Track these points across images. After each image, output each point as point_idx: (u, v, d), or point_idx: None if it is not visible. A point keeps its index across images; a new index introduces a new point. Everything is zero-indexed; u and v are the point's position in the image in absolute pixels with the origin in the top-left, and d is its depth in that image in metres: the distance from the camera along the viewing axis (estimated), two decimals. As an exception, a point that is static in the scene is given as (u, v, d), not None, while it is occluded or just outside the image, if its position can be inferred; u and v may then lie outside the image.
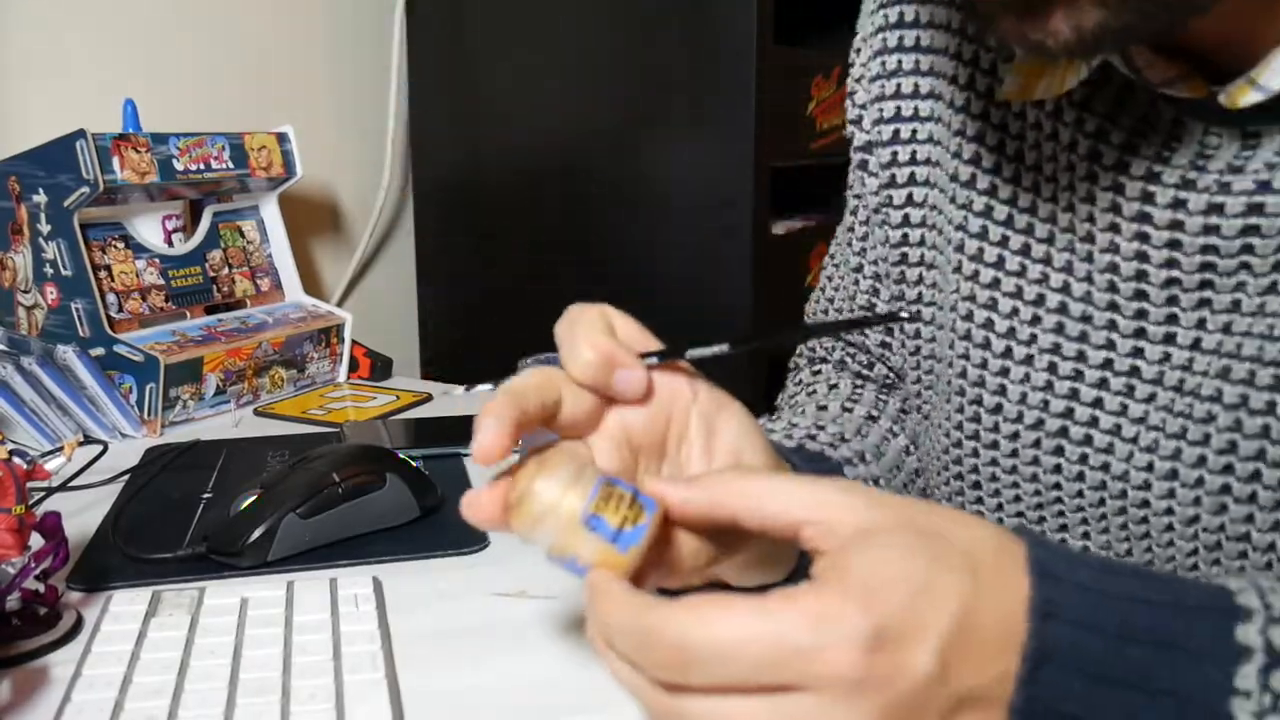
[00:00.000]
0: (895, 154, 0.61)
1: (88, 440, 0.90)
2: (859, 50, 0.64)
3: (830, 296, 0.71)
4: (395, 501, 0.70)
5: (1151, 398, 0.50)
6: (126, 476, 0.80)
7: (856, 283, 0.68)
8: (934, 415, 0.61)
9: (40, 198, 0.95)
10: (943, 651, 0.33)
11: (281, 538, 0.64)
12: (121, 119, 1.01)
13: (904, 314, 0.57)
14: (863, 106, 0.63)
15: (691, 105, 1.11)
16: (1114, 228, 0.49)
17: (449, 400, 1.07)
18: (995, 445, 0.57)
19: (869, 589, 0.33)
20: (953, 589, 0.34)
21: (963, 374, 0.58)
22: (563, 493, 0.39)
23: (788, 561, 0.46)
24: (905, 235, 0.61)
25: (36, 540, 0.56)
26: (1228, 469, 0.48)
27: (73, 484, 0.77)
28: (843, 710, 0.33)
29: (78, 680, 0.49)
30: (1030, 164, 0.53)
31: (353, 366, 1.15)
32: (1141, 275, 0.49)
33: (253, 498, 0.66)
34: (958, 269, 0.57)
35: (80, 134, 0.92)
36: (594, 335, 0.43)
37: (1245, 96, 0.43)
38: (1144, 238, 0.48)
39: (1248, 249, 0.45)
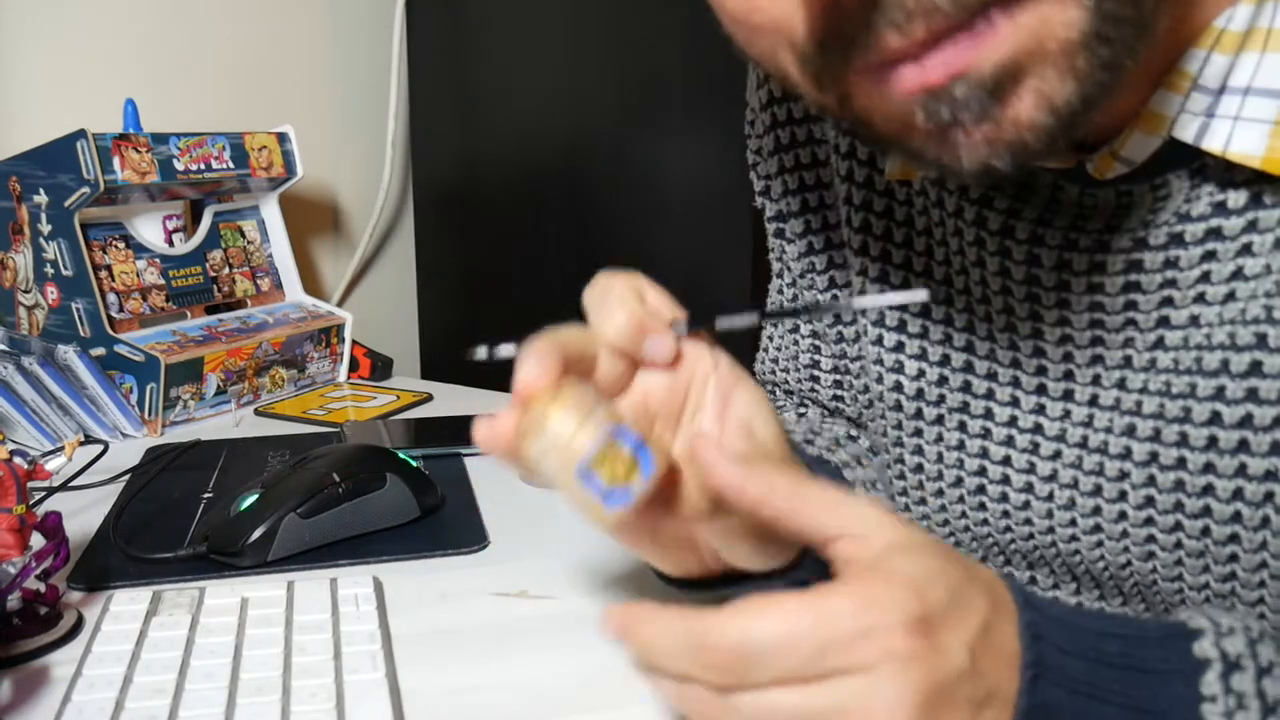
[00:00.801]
0: (808, 222, 0.61)
1: (88, 440, 0.90)
2: (753, 123, 0.64)
3: (775, 356, 0.71)
4: (395, 501, 0.70)
5: (1057, 454, 0.51)
6: (127, 476, 0.80)
7: (796, 342, 0.68)
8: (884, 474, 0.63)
9: (41, 198, 0.95)
10: (973, 647, 0.36)
11: (282, 538, 0.64)
12: (122, 119, 1.01)
13: (925, 290, 0.54)
14: (768, 178, 0.64)
15: (690, 103, 1.11)
16: (1006, 290, 0.50)
17: (449, 400, 1.07)
18: (923, 502, 0.58)
19: (915, 581, 0.36)
20: (981, 597, 0.37)
21: (884, 434, 0.59)
22: (572, 432, 0.39)
23: (785, 549, 0.47)
24: (836, 296, 0.61)
25: (37, 540, 0.56)
26: (1149, 521, 0.49)
27: (73, 484, 0.77)
28: (892, 688, 0.34)
29: (78, 680, 0.49)
30: (920, 229, 0.54)
31: (353, 366, 1.15)
32: (1037, 333, 0.50)
33: (253, 498, 0.66)
34: (863, 334, 0.58)
35: (81, 134, 0.92)
36: (627, 301, 0.44)
37: (1111, 169, 0.44)
38: (1035, 299, 0.49)
39: (1131, 305, 0.47)
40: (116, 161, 0.93)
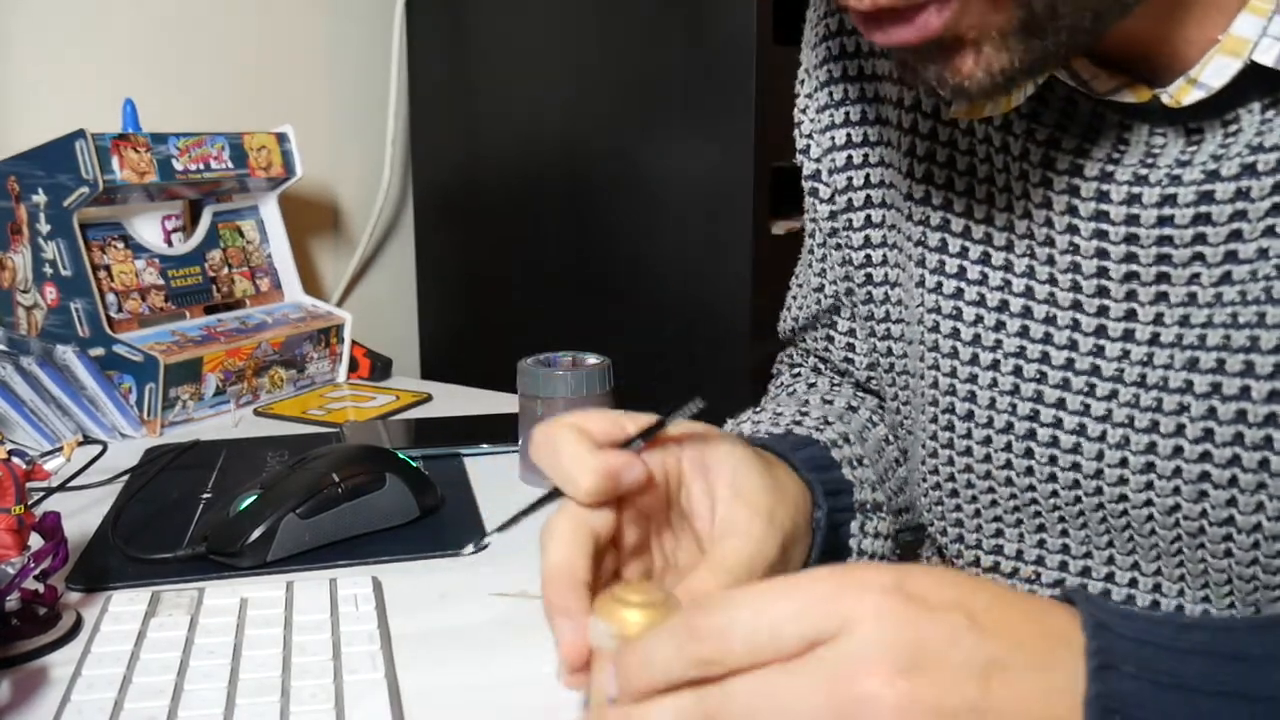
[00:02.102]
0: (850, 179, 0.62)
1: (87, 440, 0.90)
2: (803, 81, 0.65)
3: (796, 315, 0.73)
4: (395, 501, 0.70)
5: (1113, 394, 0.51)
6: (126, 476, 0.80)
7: (818, 301, 0.69)
8: (914, 429, 0.62)
9: (40, 198, 0.95)
10: (966, 606, 0.34)
11: (281, 538, 0.64)
12: (121, 119, 1.01)
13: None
14: (810, 136, 0.65)
15: (691, 105, 1.11)
16: (1072, 229, 0.51)
17: (449, 400, 1.07)
18: (969, 452, 0.58)
19: (900, 568, 0.35)
20: (986, 585, 0.35)
21: (934, 384, 0.58)
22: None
23: None
24: (868, 256, 0.62)
25: (36, 540, 0.56)
26: (1205, 456, 0.49)
27: (72, 484, 0.77)
28: (880, 646, 0.33)
29: (77, 680, 0.49)
30: (983, 176, 0.55)
31: (353, 366, 1.15)
32: (1103, 271, 0.50)
33: (252, 498, 0.66)
34: (920, 283, 0.58)
35: (80, 134, 0.91)
36: (581, 457, 0.43)
37: (1187, 95, 0.45)
38: (1102, 235, 0.50)
39: (1200, 238, 0.47)
40: (115, 161, 0.93)
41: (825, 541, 0.53)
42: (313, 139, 1.25)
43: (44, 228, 0.95)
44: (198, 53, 1.20)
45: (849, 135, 0.62)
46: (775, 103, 1.12)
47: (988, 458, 0.57)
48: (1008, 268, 0.54)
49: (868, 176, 0.61)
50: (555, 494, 0.46)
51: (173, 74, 1.17)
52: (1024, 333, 0.54)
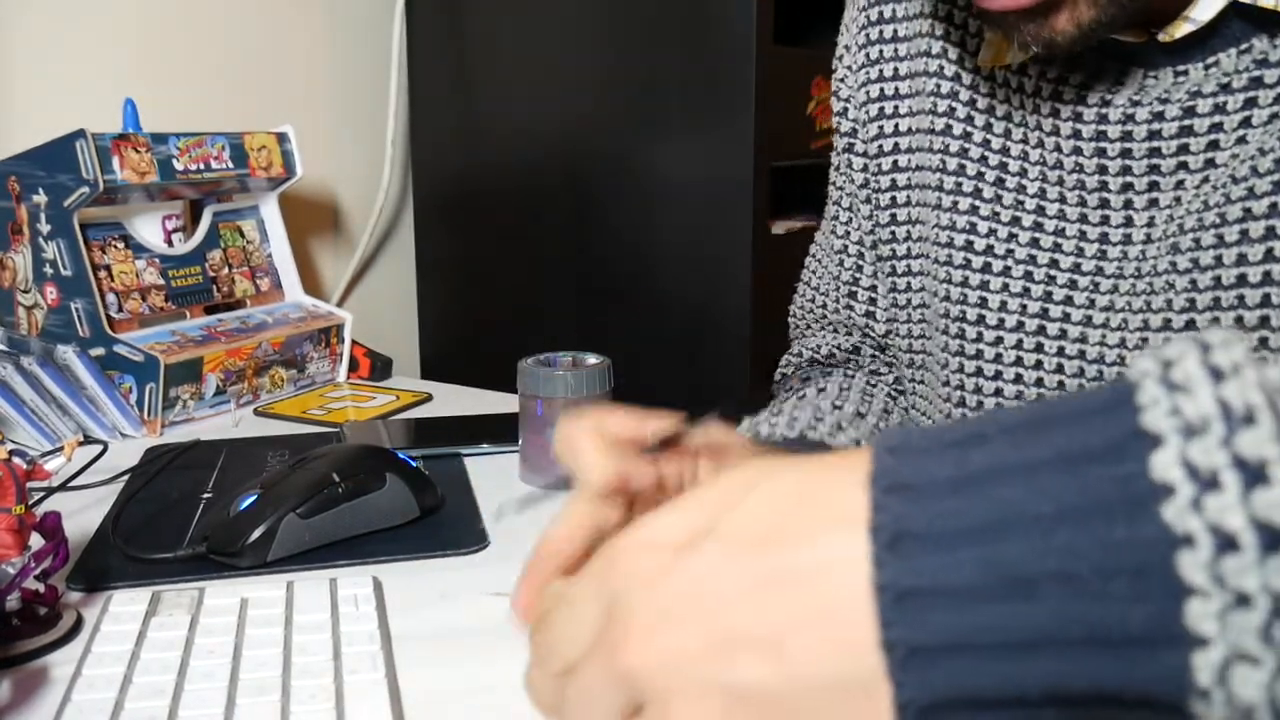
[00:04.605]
0: (881, 128, 0.70)
1: (88, 440, 0.90)
2: (848, 47, 0.73)
3: (815, 285, 0.80)
4: (395, 501, 0.70)
5: (1115, 289, 0.60)
6: (126, 476, 0.80)
7: (840, 263, 0.76)
8: (930, 364, 0.68)
9: (40, 198, 0.95)
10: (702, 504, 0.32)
11: (281, 538, 0.64)
12: (121, 119, 1.01)
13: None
14: (847, 99, 0.73)
15: (691, 105, 1.11)
16: (1077, 150, 0.60)
17: (449, 400, 1.07)
18: (980, 355, 0.65)
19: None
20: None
21: (947, 297, 0.66)
22: None
23: None
24: (894, 198, 0.70)
25: (36, 540, 0.56)
26: (1190, 325, 0.57)
27: (73, 484, 0.77)
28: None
29: (78, 680, 0.49)
30: (1001, 114, 0.64)
31: (353, 366, 1.15)
32: (1103, 185, 0.59)
33: (252, 498, 0.66)
34: (938, 205, 0.66)
35: (80, 134, 0.92)
36: (597, 458, 0.43)
37: (1179, 30, 0.54)
38: (1102, 153, 0.59)
39: (1184, 149, 0.56)
40: (116, 161, 0.93)
41: None
42: (313, 139, 1.25)
43: (44, 228, 0.95)
44: (198, 53, 1.20)
45: (882, 90, 0.70)
46: (775, 103, 1.12)
47: (998, 356, 0.64)
48: (1020, 189, 0.63)
49: (897, 125, 0.69)
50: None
51: (173, 74, 1.17)
52: (1034, 243, 0.62)
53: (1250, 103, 0.54)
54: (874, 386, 0.76)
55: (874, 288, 0.75)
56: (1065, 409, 0.28)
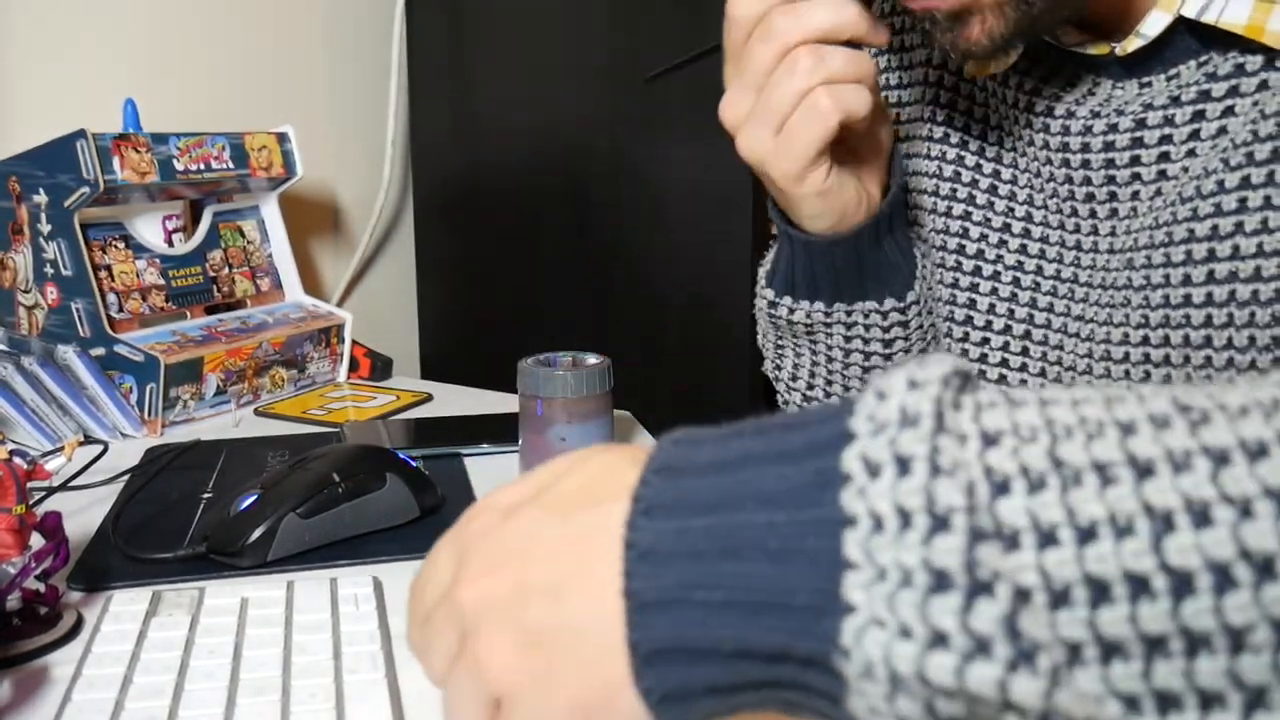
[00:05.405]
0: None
1: (88, 440, 0.90)
2: None
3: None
4: (395, 501, 0.70)
5: (1085, 298, 0.63)
6: (126, 476, 0.80)
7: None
8: None
9: (40, 198, 0.95)
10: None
11: (281, 538, 0.64)
12: (121, 119, 1.01)
13: None
14: None
15: (691, 105, 1.11)
16: (1049, 160, 0.62)
17: (449, 400, 1.07)
18: (966, 355, 0.67)
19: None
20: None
21: (939, 299, 0.69)
22: None
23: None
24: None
25: (37, 540, 0.56)
26: (1145, 341, 0.59)
27: (73, 484, 0.77)
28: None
29: (78, 680, 0.49)
30: (994, 123, 0.66)
31: (353, 366, 1.15)
32: (1071, 195, 0.62)
33: (252, 498, 0.66)
34: (932, 209, 0.69)
35: (80, 134, 0.92)
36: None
37: (1132, 44, 0.56)
38: (1068, 164, 0.61)
39: (1135, 160, 0.58)
40: (116, 161, 0.93)
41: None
42: (313, 139, 1.25)
43: (45, 228, 0.95)
44: (198, 53, 1.20)
45: (885, 98, 0.72)
46: (775, 103, 1.12)
47: (984, 358, 0.67)
48: (1011, 197, 0.66)
49: (896, 131, 0.71)
50: (716, 48, 0.60)
51: (173, 74, 1.17)
52: (1022, 249, 0.65)
53: (1198, 115, 0.55)
54: None
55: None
56: (811, 414, 0.33)
